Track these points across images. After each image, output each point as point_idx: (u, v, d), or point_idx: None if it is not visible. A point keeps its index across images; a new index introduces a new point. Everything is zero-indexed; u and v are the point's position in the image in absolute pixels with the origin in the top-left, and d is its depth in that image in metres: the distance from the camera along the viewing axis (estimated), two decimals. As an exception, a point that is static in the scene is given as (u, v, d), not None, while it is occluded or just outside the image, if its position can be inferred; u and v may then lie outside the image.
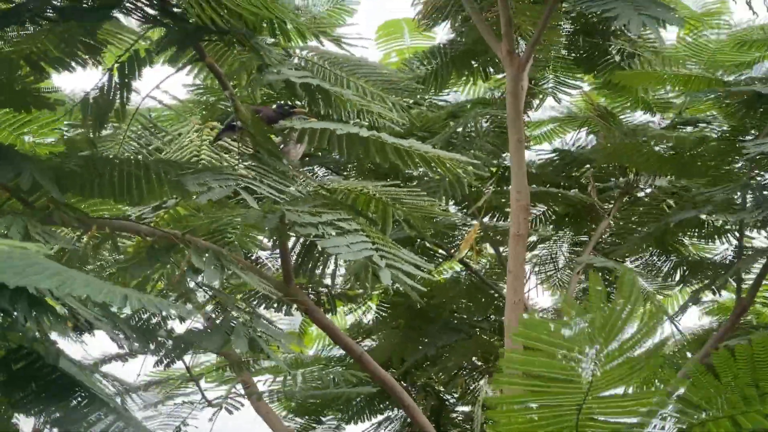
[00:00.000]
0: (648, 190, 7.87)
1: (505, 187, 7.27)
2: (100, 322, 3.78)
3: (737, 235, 6.90)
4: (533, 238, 8.41)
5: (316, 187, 5.16)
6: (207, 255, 4.52)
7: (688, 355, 7.53)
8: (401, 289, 7.65)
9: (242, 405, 6.32)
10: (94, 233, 4.61)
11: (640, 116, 8.20)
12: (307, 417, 8.55)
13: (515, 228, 6.19)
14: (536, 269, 8.61)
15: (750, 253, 6.86)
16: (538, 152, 8.34)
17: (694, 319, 8.62)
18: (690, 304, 7.14)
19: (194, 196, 4.69)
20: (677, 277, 8.15)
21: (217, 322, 4.89)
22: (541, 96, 8.10)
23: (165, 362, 4.98)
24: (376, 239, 4.48)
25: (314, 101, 5.52)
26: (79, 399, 3.54)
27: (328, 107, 5.48)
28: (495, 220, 7.96)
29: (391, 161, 5.22)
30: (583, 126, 8.15)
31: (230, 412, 6.33)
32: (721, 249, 7.95)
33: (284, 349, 7.88)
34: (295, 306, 6.92)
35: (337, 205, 5.04)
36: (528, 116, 8.06)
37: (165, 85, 5.34)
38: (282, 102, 5.45)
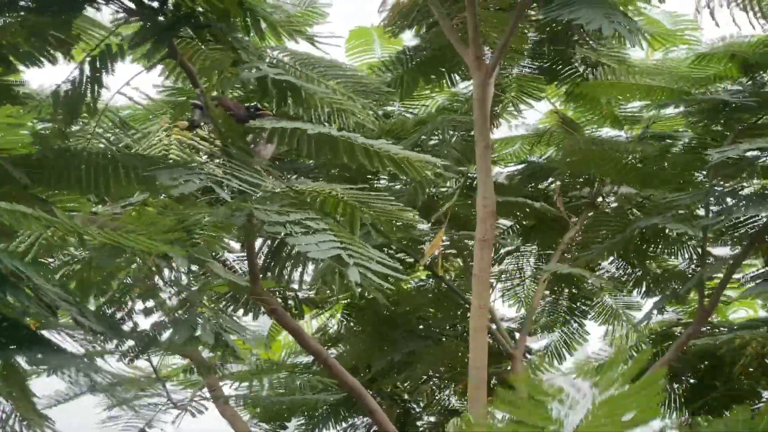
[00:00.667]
0: (614, 204, 7.93)
1: (470, 201, 7.28)
2: (66, 303, 3.78)
3: (700, 245, 6.96)
4: (502, 251, 8.48)
5: (284, 188, 5.15)
6: (175, 244, 4.51)
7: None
8: (367, 293, 7.75)
9: (206, 408, 6.31)
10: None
11: (607, 132, 8.26)
12: (272, 423, 8.51)
13: (481, 233, 6.21)
14: (503, 279, 8.63)
15: (712, 261, 6.93)
16: (508, 167, 8.41)
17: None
18: (654, 312, 7.19)
19: (163, 192, 4.70)
20: (642, 290, 8.22)
21: (183, 317, 4.89)
22: (503, 104, 8.11)
23: (130, 357, 4.98)
24: (344, 239, 4.49)
25: (285, 99, 5.54)
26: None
27: (299, 106, 5.51)
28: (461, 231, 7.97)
29: (360, 162, 5.27)
30: (550, 140, 8.17)
31: (194, 415, 6.32)
32: (684, 264, 8.03)
33: (252, 355, 7.92)
34: (262, 309, 6.93)
35: (306, 205, 5.06)
36: (494, 129, 8.10)
37: (135, 83, 5.35)
38: (250, 104, 5.45)
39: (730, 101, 6.23)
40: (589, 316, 8.58)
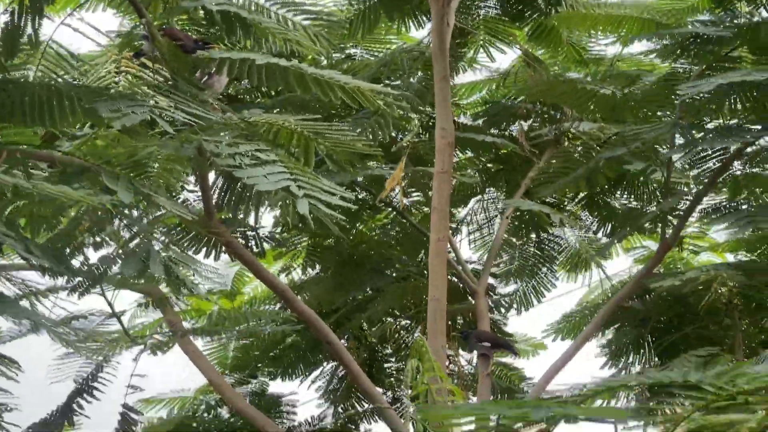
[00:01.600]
0: (577, 143, 7.89)
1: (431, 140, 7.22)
2: (10, 240, 3.75)
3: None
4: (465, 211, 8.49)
5: (235, 120, 5.10)
6: (120, 179, 4.47)
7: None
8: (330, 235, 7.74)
9: (168, 345, 6.29)
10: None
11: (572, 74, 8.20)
12: (240, 372, 8.52)
13: (440, 165, 6.16)
14: (468, 221, 8.62)
15: (675, 194, 6.92)
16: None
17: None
18: (615, 242, 7.19)
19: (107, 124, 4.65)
20: (607, 231, 8.22)
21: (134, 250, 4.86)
22: (474, 48, 8.06)
23: (80, 290, 4.96)
24: (294, 170, 4.45)
25: (233, 31, 5.49)
26: None
27: (247, 37, 5.45)
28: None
29: (312, 92, 5.23)
30: (516, 79, 8.09)
31: (155, 353, 6.30)
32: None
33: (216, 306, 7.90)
34: (223, 249, 6.91)
35: (257, 137, 5.01)
36: (460, 73, 8.06)
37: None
38: (198, 39, 5.37)
39: (701, 33, 6.14)
40: (557, 262, 8.58)
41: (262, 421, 6.44)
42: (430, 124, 7.42)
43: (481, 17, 7.95)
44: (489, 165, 8.38)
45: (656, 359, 7.37)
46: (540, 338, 8.80)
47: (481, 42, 8.09)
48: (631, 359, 7.45)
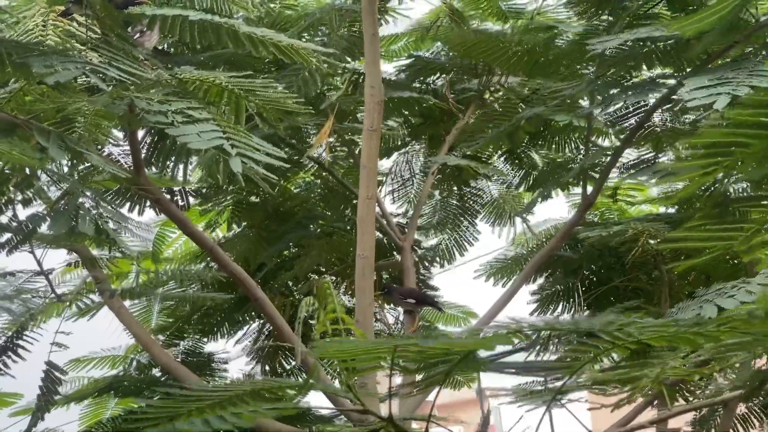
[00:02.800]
0: (501, 98, 7.95)
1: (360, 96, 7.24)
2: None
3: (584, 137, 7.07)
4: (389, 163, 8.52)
5: (167, 77, 5.05)
6: (51, 135, 4.42)
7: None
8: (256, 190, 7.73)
9: (93, 301, 6.25)
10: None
11: (492, 26, 8.24)
12: (168, 333, 8.49)
13: (369, 122, 6.17)
14: (392, 176, 8.66)
15: (595, 150, 7.04)
16: (394, 63, 8.36)
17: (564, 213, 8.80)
18: (538, 200, 7.30)
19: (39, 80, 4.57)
20: (530, 185, 8.34)
21: (63, 207, 4.81)
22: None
23: (8, 247, 4.90)
24: (227, 128, 4.44)
25: (164, -14, 5.45)
26: None
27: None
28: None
29: (246, 49, 5.22)
30: (437, 34, 8.11)
31: (81, 309, 6.26)
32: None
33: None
34: (148, 203, 6.88)
35: (189, 94, 4.98)
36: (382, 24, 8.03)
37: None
38: (134, -6, 5.29)
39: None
40: (478, 215, 8.68)
41: (188, 378, 6.45)
42: (360, 80, 7.41)
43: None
44: (412, 120, 8.40)
45: (586, 309, 7.54)
46: (469, 299, 8.96)
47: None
48: (561, 308, 7.59)
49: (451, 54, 7.81)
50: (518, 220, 8.44)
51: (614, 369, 3.61)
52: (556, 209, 9.13)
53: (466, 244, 8.62)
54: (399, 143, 8.51)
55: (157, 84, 4.85)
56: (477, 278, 8.10)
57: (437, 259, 8.50)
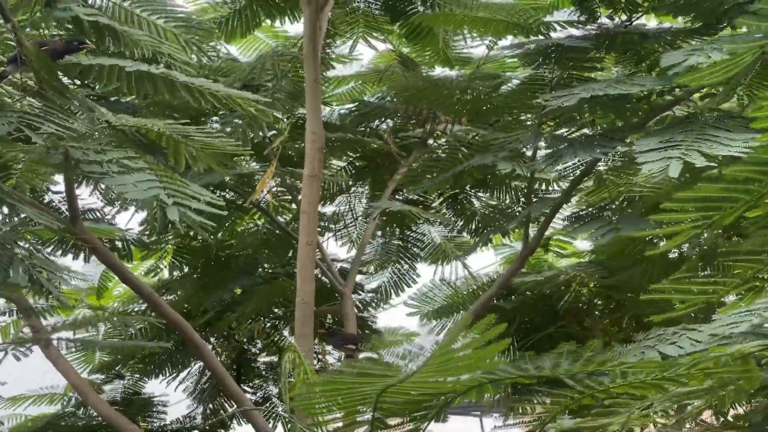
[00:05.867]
0: (445, 145, 8.00)
1: (301, 141, 7.27)
2: None
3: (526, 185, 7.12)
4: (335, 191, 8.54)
5: (104, 126, 5.05)
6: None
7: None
8: (197, 236, 7.72)
9: (31, 351, 6.18)
10: None
11: (441, 71, 8.32)
12: (108, 372, 8.43)
13: (309, 169, 6.22)
14: (335, 220, 8.69)
15: (539, 199, 7.11)
16: (340, 109, 8.42)
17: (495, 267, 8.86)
18: (479, 245, 7.34)
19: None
20: (471, 229, 8.39)
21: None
22: (341, 39, 8.10)
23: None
24: (163, 177, 4.45)
25: (103, 40, 5.46)
26: None
27: (118, 47, 5.43)
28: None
29: (183, 99, 5.24)
30: (383, 78, 8.20)
31: (18, 359, 6.19)
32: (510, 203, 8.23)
33: (83, 304, 7.79)
34: (87, 250, 6.84)
35: (126, 143, 4.98)
36: (330, 69, 8.09)
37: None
38: (74, 40, 5.29)
39: (562, 43, 6.30)
40: (419, 258, 8.73)
41: (124, 425, 6.41)
42: (301, 124, 7.45)
43: (361, 11, 7.96)
44: (356, 163, 8.45)
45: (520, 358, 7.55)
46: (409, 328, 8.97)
47: (361, 33, 8.09)
48: (496, 357, 7.58)
49: (395, 99, 7.87)
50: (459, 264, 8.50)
51: (582, 418, 3.65)
52: (487, 259, 9.21)
53: (404, 285, 8.65)
54: (343, 187, 8.53)
55: (92, 134, 4.85)
56: (410, 315, 8.12)
57: (375, 301, 8.54)
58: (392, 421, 3.68)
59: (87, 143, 4.67)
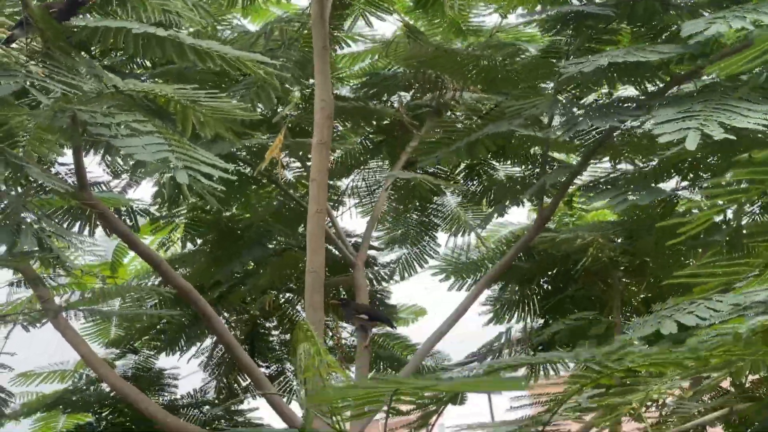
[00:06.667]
0: (459, 113, 7.90)
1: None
2: None
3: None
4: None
5: (111, 88, 4.97)
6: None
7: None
8: (209, 207, 7.65)
9: (39, 321, 6.13)
10: None
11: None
12: (121, 347, 8.38)
13: (318, 136, 6.12)
14: (350, 193, 8.62)
15: (555, 168, 7.00)
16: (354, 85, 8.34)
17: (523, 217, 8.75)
18: (495, 216, 7.25)
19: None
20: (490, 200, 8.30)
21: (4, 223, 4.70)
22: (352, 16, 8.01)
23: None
24: (172, 141, 4.38)
25: (109, 2, 5.39)
26: None
27: (124, 7, 5.36)
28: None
29: (191, 61, 5.15)
30: (396, 51, 8.07)
31: (27, 330, 6.14)
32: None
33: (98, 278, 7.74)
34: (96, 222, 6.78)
35: (134, 107, 4.90)
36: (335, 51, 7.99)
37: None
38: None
39: (582, 10, 6.18)
40: (439, 229, 8.64)
41: (134, 396, 6.35)
42: (311, 95, 7.36)
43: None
44: (371, 136, 8.36)
45: (540, 319, 7.50)
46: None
47: (361, 9, 8.01)
48: (516, 318, 7.56)
49: (408, 71, 7.77)
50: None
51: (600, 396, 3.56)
52: (514, 214, 9.13)
53: (426, 257, 8.57)
54: (359, 161, 8.45)
55: (100, 97, 4.77)
56: (434, 275, 8.02)
57: (396, 273, 8.45)
58: (405, 407, 3.62)
59: (94, 106, 4.60)
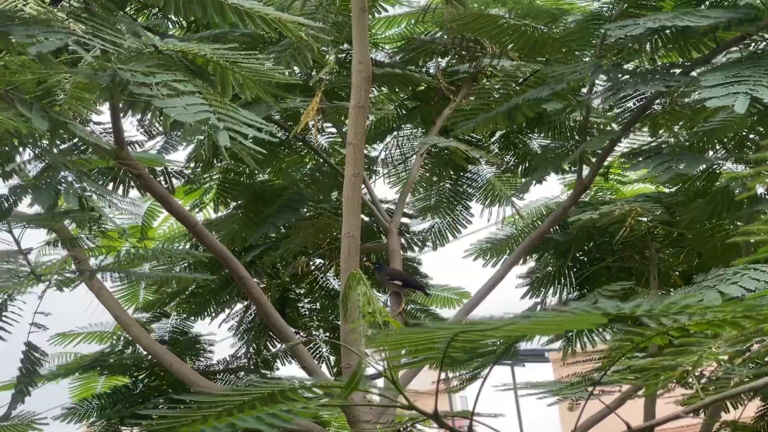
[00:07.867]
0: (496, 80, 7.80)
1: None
2: None
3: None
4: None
5: (150, 47, 4.91)
6: (33, 105, 4.29)
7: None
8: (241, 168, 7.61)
9: (74, 282, 6.11)
10: None
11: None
12: (153, 311, 8.38)
13: (356, 99, 6.05)
14: (383, 159, 8.55)
15: (595, 135, 6.92)
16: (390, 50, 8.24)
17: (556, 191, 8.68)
18: (533, 183, 7.18)
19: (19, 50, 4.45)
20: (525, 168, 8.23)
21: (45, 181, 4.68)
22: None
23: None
24: (213, 101, 4.33)
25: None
26: None
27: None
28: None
29: (232, 21, 5.09)
30: (434, 15, 7.96)
31: (60, 289, 6.11)
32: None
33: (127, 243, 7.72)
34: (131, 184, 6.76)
35: (174, 67, 4.85)
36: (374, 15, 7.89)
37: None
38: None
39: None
40: (474, 199, 8.58)
41: (170, 360, 6.36)
42: (347, 60, 7.29)
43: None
44: (406, 102, 8.28)
45: (576, 291, 7.46)
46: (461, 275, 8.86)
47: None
48: (552, 290, 7.52)
49: (445, 33, 7.67)
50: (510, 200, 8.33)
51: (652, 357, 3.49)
52: (548, 188, 9.03)
53: (459, 227, 8.52)
54: (392, 126, 8.38)
55: (141, 55, 4.72)
56: (466, 257, 8.00)
57: (429, 241, 8.41)
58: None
59: (135, 65, 4.55)
